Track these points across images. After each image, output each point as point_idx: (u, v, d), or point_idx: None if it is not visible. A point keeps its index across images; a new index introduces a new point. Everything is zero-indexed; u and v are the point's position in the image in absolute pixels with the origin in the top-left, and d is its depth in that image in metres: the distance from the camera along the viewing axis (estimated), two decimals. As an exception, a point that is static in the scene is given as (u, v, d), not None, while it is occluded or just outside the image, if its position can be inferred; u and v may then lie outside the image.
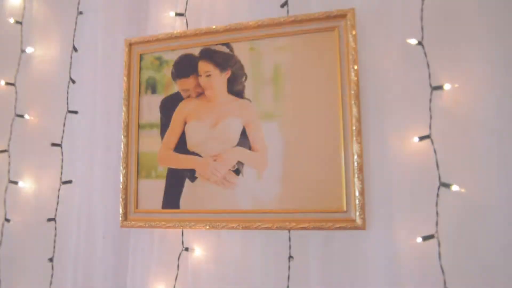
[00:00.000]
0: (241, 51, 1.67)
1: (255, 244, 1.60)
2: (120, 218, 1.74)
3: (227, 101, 1.67)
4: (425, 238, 1.38)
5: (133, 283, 1.73)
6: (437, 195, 1.38)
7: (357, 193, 1.47)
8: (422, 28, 1.47)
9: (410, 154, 1.44)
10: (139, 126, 1.77)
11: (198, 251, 1.66)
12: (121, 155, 1.76)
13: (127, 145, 1.77)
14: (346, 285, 1.48)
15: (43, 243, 1.87)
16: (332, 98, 1.55)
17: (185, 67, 1.74)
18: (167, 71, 1.77)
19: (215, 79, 1.68)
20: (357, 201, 1.47)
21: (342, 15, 1.55)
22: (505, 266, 1.28)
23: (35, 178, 1.95)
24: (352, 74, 1.52)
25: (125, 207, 1.74)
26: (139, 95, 1.79)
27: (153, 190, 1.73)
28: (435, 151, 1.40)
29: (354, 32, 1.53)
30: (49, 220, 1.87)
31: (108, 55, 1.90)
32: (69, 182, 1.89)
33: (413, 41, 1.45)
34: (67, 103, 1.94)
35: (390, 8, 1.53)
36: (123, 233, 1.79)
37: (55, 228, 1.86)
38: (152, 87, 1.79)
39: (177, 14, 1.81)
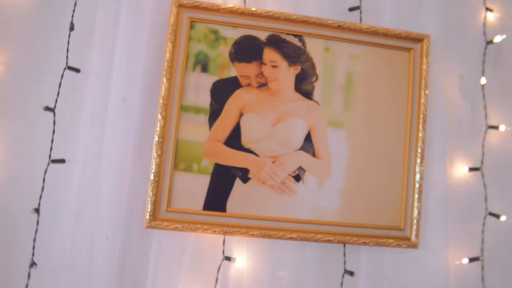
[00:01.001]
0: (314, 48, 1.54)
1: (308, 256, 1.51)
2: (148, 217, 1.39)
3: (294, 99, 1.52)
4: (471, 260, 1.55)
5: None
6: (484, 223, 1.57)
7: (415, 213, 1.54)
8: (483, 71, 1.63)
9: (462, 184, 1.59)
10: (181, 108, 1.46)
11: (241, 262, 1.47)
12: (155, 139, 1.42)
13: (164, 127, 1.43)
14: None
15: (23, 242, 1.36)
16: (400, 118, 1.57)
17: (248, 50, 1.51)
18: (224, 49, 1.50)
19: (281, 72, 1.51)
20: (415, 221, 1.54)
21: (419, 39, 1.59)
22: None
23: (9, 153, 1.40)
24: (423, 98, 1.57)
25: (155, 203, 1.41)
26: (185, 70, 1.47)
27: (192, 186, 1.45)
28: (484, 184, 1.58)
29: (428, 58, 1.59)
30: (36, 211, 1.36)
31: (138, 8, 1.50)
32: (61, 161, 1.42)
33: (483, 81, 1.60)
34: (67, 56, 1.45)
35: (456, 42, 1.64)
36: (140, 235, 1.44)
37: (37, 223, 1.37)
38: (203, 64, 1.49)
39: (238, -14, 1.55)
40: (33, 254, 1.36)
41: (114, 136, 1.45)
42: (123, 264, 1.43)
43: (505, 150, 1.60)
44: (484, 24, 1.65)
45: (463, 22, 1.66)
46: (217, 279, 1.44)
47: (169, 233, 1.44)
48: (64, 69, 1.44)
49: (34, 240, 1.37)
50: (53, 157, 1.40)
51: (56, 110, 1.42)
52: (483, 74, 1.62)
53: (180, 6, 1.48)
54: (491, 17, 1.66)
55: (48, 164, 1.40)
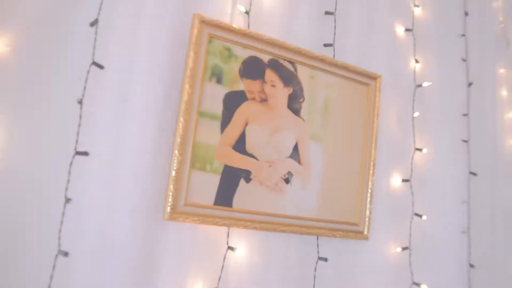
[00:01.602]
0: (303, 74, 1.87)
1: (291, 246, 1.80)
2: (169, 210, 1.52)
3: (286, 115, 1.82)
4: (403, 249, 2.03)
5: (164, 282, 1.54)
6: (411, 221, 2.07)
7: (367, 213, 1.96)
8: (413, 107, 2.16)
9: (397, 191, 2.09)
10: (199, 113, 1.62)
11: (241, 251, 1.68)
12: (178, 140, 1.55)
13: (184, 129, 1.58)
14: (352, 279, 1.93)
15: (48, 232, 1.35)
16: (359, 137, 2.00)
17: (254, 69, 1.76)
18: (235, 66, 1.72)
19: (278, 91, 1.80)
20: (367, 219, 1.96)
21: (374, 77, 2.05)
22: (453, 270, 2.11)
23: (27, 145, 1.38)
24: (375, 124, 2.02)
25: (175, 198, 1.54)
26: (203, 79, 1.64)
27: (206, 184, 1.62)
28: (412, 192, 2.09)
29: (380, 93, 2.05)
30: (68, 201, 1.37)
31: (158, 16, 1.63)
32: (85, 153, 1.45)
33: (416, 114, 2.12)
34: (94, 53, 1.49)
35: (397, 83, 2.16)
36: (157, 228, 1.54)
37: (63, 214, 1.38)
38: (218, 76, 1.68)
39: (246, 12, 1.79)
40: (59, 245, 1.36)
41: (132, 135, 1.54)
42: (143, 252, 1.51)
43: (426, 167, 2.16)
44: (414, 71, 2.20)
45: (401, 68, 2.19)
46: (222, 266, 1.63)
47: (180, 225, 1.58)
48: (90, 65, 1.49)
49: (60, 231, 1.37)
50: (78, 149, 1.43)
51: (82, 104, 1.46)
52: (413, 109, 2.16)
53: (202, 22, 1.66)
54: (418, 67, 2.22)
55: (74, 156, 1.42)
